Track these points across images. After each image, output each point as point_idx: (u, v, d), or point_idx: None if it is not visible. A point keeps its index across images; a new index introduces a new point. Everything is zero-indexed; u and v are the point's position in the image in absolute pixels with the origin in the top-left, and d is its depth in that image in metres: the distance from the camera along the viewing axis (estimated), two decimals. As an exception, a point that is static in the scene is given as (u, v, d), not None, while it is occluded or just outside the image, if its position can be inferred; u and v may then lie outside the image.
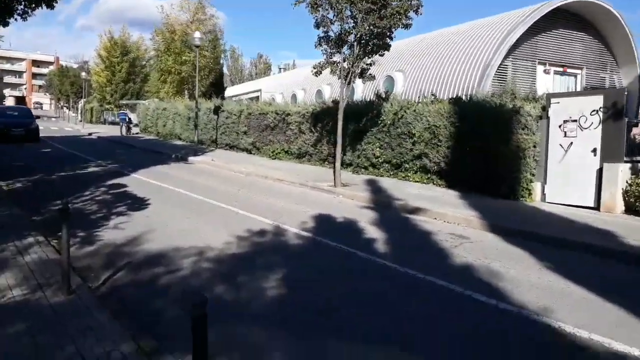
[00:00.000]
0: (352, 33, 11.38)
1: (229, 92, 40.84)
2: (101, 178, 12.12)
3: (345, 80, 11.82)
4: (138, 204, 9.18)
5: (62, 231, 4.47)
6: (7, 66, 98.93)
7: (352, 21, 11.24)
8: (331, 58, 12.05)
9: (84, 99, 46.90)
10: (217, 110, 21.86)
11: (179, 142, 25.24)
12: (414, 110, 12.69)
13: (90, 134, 32.44)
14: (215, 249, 6.26)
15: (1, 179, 11.16)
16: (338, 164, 12.01)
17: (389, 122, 13.25)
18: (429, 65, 20.71)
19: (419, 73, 21.04)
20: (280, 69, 46.42)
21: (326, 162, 16.14)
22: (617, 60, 21.62)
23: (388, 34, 11.23)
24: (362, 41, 11.42)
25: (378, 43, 11.42)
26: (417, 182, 12.41)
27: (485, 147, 10.69)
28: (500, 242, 7.15)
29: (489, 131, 10.62)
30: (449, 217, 8.74)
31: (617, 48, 21.23)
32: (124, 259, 5.82)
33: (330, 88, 27.64)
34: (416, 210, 9.27)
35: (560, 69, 20.08)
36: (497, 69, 17.76)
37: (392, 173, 13.32)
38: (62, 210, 4.47)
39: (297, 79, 34.12)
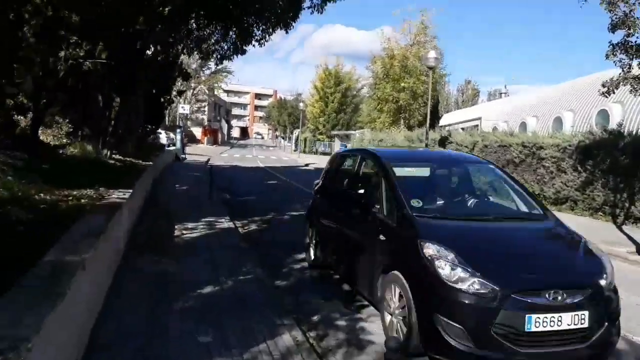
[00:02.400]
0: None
1: (443, 120, 38.38)
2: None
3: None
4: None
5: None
6: (234, 99, 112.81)
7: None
8: (629, 72, 8.81)
9: (299, 129, 49.45)
10: (443, 141, 19.62)
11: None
12: None
13: (306, 165, 33.15)
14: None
15: (235, 217, 10.29)
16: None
17: None
18: None
19: None
20: (501, 94, 42.22)
21: (600, 212, 12.40)
22: None
23: None
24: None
25: None
26: None
27: None
28: None
29: None
30: None
31: None
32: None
33: (572, 115, 23.31)
34: None
35: None
36: None
37: None
38: None
39: (524, 105, 30.03)
